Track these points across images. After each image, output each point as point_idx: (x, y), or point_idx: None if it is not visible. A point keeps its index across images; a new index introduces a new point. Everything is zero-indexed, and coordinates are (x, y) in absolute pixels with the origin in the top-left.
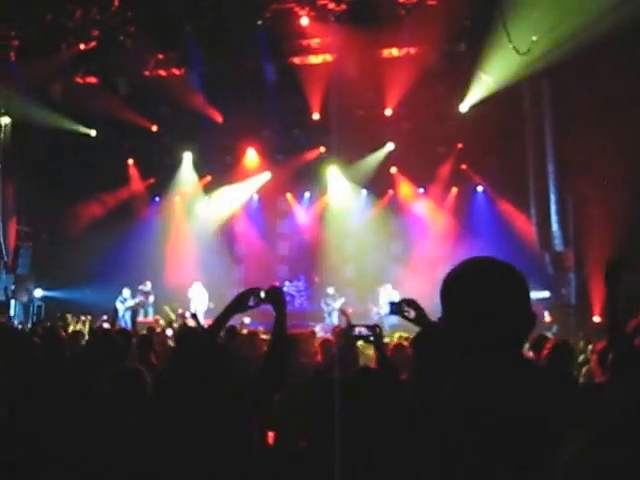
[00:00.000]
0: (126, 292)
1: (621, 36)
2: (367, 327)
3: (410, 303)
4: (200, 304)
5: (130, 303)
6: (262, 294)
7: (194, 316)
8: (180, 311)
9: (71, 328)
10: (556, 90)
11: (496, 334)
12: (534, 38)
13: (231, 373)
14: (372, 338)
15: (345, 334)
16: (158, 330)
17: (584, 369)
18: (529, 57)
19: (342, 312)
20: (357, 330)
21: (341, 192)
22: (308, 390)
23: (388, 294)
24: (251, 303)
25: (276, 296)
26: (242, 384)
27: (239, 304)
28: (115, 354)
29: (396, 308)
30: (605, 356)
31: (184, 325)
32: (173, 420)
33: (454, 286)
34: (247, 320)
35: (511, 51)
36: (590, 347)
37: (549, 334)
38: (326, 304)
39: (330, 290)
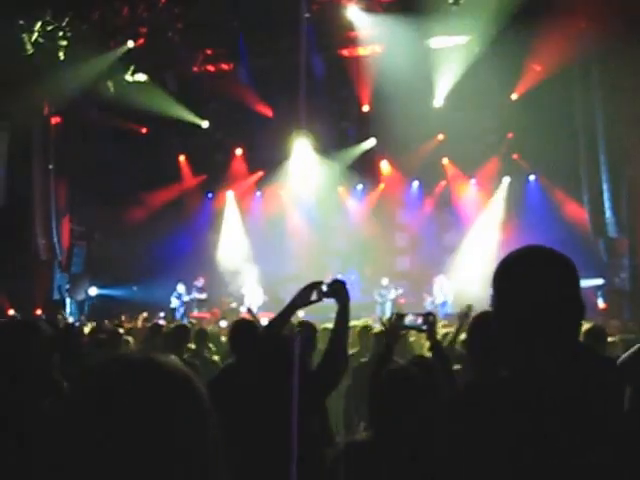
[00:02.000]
0: (180, 287)
1: None
2: (419, 315)
3: None
4: (255, 299)
5: (186, 298)
6: (325, 288)
7: (249, 310)
8: (233, 305)
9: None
10: (607, 75)
11: (548, 321)
12: (584, 24)
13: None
14: (424, 327)
15: (395, 324)
16: (210, 326)
17: None
18: (579, 43)
19: (396, 303)
20: (408, 319)
21: (392, 184)
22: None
23: (442, 284)
24: (314, 297)
25: (339, 290)
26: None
27: (303, 298)
28: (170, 349)
29: None
30: None
31: (241, 319)
32: (233, 413)
33: (506, 274)
34: (302, 313)
35: (561, 38)
36: None
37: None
38: (380, 295)
39: (384, 281)
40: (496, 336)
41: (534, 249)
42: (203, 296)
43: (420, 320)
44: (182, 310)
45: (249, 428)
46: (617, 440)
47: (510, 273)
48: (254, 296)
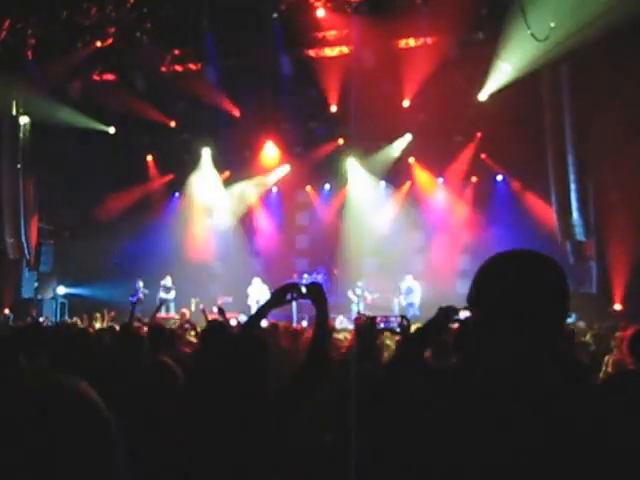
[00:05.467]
0: (140, 284)
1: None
2: (390, 318)
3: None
4: (263, 299)
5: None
6: (303, 289)
7: (220, 310)
8: (201, 306)
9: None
10: (575, 76)
11: (537, 327)
12: (552, 24)
13: (270, 368)
14: (398, 329)
15: (369, 326)
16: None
17: (609, 358)
18: (548, 44)
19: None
20: (380, 321)
21: (360, 183)
22: (334, 382)
23: (409, 285)
24: (288, 297)
25: (317, 293)
26: (282, 383)
27: (278, 298)
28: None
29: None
30: (636, 343)
31: (213, 320)
32: (204, 416)
33: (492, 279)
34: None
35: (529, 38)
36: (617, 334)
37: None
38: (356, 295)
39: (360, 282)
40: (480, 336)
41: (522, 251)
42: (171, 295)
43: (395, 322)
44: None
45: (221, 429)
46: (586, 444)
47: (500, 275)
48: (261, 296)
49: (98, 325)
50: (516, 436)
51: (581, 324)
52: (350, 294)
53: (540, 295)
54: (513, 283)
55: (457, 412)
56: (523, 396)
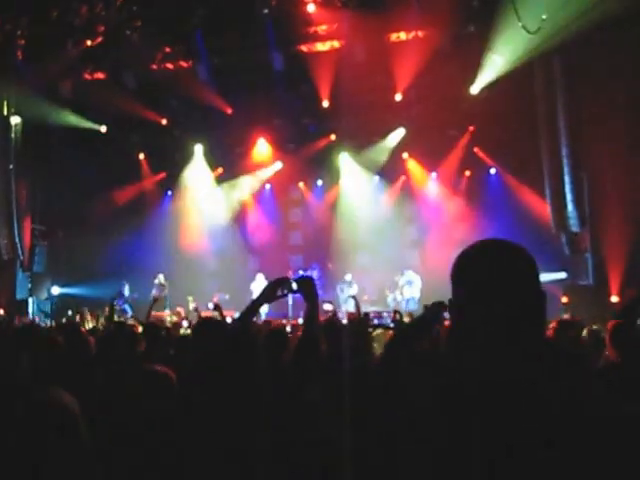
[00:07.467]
0: (125, 287)
1: (633, 13)
2: (383, 313)
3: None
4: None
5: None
6: (294, 285)
7: (217, 308)
8: (194, 305)
9: (89, 325)
10: (568, 68)
11: (508, 315)
12: (544, 16)
13: (262, 364)
14: (391, 325)
15: (360, 322)
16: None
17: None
18: (539, 36)
19: (353, 298)
20: (373, 316)
21: (353, 179)
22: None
23: (409, 279)
24: (279, 293)
25: (308, 287)
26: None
27: (269, 294)
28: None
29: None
30: (617, 335)
31: (206, 316)
32: (202, 416)
33: (463, 268)
34: (265, 308)
35: (521, 30)
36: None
37: (565, 316)
38: (341, 291)
39: (347, 277)
40: (455, 330)
41: (490, 242)
42: (164, 293)
43: (388, 318)
44: (127, 307)
45: (217, 428)
46: (572, 441)
47: (467, 267)
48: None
49: (90, 325)
50: (506, 426)
51: (565, 316)
52: (338, 290)
53: (513, 285)
54: (485, 274)
55: (449, 407)
56: (510, 387)
